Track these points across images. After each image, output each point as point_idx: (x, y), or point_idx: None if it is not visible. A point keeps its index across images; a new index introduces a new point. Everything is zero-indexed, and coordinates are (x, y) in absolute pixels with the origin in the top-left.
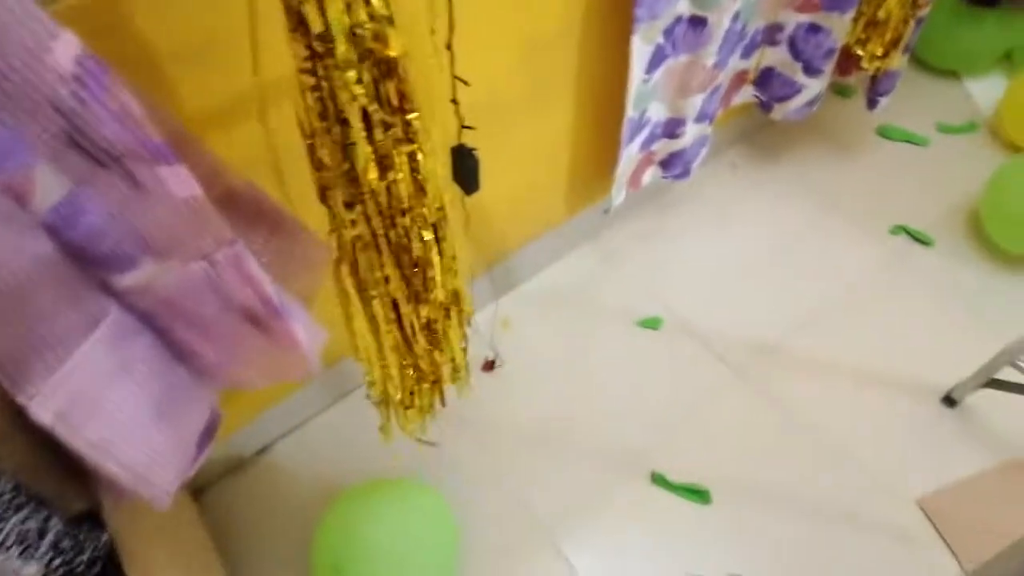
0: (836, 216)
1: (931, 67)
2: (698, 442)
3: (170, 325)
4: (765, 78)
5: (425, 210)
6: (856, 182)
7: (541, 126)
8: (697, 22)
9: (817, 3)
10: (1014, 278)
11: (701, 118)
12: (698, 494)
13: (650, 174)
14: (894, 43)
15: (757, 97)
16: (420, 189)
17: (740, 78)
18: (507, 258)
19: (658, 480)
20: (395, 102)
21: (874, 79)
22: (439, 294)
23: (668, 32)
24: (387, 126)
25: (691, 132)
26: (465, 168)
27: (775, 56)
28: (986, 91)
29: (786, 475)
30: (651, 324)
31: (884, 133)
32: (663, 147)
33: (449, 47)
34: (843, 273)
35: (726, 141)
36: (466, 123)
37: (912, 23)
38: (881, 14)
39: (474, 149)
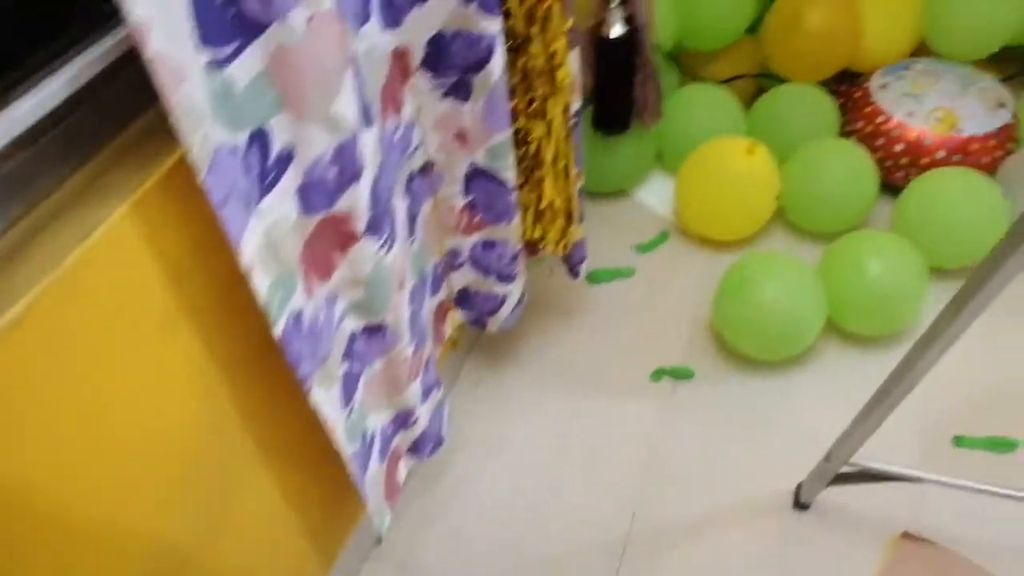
0: (595, 388)
1: (600, 195)
2: None
3: None
4: (465, 299)
5: None
6: (597, 344)
7: (256, 495)
8: (374, 330)
9: (479, 221)
10: (787, 374)
11: (428, 392)
12: None
13: (404, 467)
14: (568, 221)
15: (466, 318)
16: None
17: (442, 310)
18: None
19: None
20: None
21: (565, 256)
22: None
23: (346, 358)
24: None
25: (425, 410)
26: None
27: (465, 278)
28: (657, 196)
29: None
30: None
31: (593, 279)
32: (403, 439)
33: None
34: (632, 440)
35: (457, 363)
36: None
37: (576, 198)
38: (543, 204)
39: None
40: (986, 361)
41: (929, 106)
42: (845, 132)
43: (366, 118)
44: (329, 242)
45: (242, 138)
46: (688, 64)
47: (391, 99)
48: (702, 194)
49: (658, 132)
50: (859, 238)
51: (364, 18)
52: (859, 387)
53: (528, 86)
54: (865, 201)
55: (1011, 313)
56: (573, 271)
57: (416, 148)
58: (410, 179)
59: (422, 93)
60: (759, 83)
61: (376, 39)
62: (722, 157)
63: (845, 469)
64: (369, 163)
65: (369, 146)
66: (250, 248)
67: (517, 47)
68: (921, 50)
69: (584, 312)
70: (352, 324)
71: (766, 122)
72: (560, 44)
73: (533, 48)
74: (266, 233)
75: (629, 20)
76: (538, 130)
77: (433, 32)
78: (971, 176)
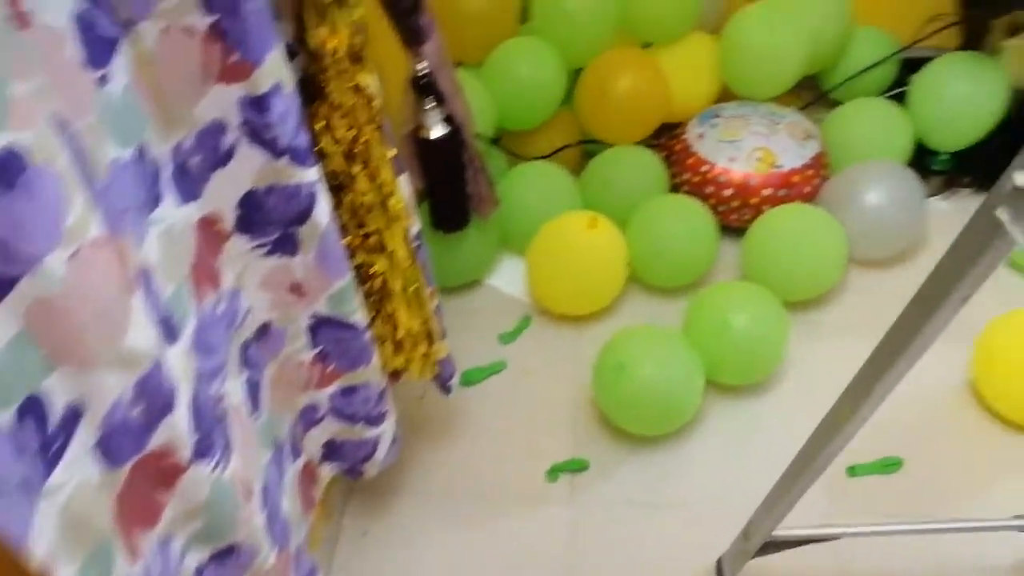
0: (493, 503)
1: (451, 289)
2: None
3: None
4: (333, 451)
5: None
6: (484, 453)
7: None
8: (225, 554)
9: (334, 371)
10: (679, 443)
11: None
12: None
13: None
14: (430, 342)
15: (339, 470)
16: None
17: (307, 472)
18: None
19: None
20: None
21: (434, 376)
22: None
23: None
24: None
25: None
26: None
27: (328, 431)
28: (509, 280)
29: None
30: None
31: (466, 381)
32: None
33: None
34: (545, 550)
35: (335, 522)
36: None
37: (434, 316)
38: (400, 334)
39: None
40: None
41: (747, 148)
42: (675, 185)
43: (168, 334)
44: (149, 485)
45: (6, 417)
46: (511, 145)
47: (205, 276)
48: (554, 274)
49: (498, 216)
50: (717, 293)
51: (155, 202)
52: (750, 438)
53: (360, 221)
54: (709, 250)
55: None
56: (445, 388)
57: (246, 314)
58: (245, 348)
59: (242, 255)
60: (583, 150)
61: (174, 218)
62: (566, 235)
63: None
64: (182, 383)
65: (178, 365)
66: (44, 543)
67: (341, 185)
68: (726, 94)
69: (464, 421)
70: (196, 558)
71: (598, 189)
72: (386, 174)
73: (359, 185)
74: (63, 512)
75: (448, 120)
76: (380, 264)
77: (243, 193)
78: (805, 211)
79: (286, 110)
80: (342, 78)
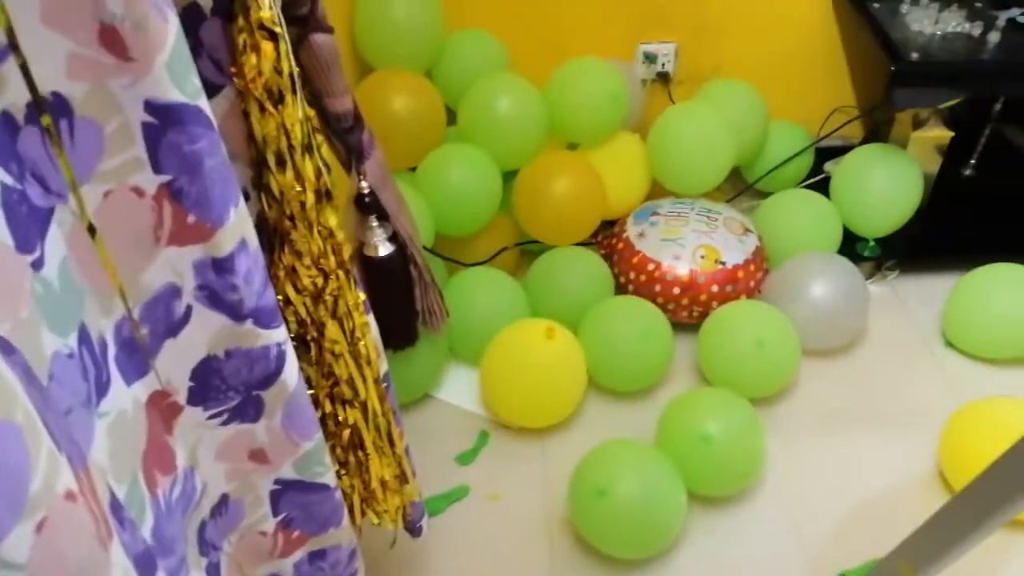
0: None
1: (403, 407)
2: None
3: None
4: None
5: None
6: None
7: None
8: None
9: (299, 537)
10: (663, 563)
11: None
12: None
13: None
14: (403, 483)
15: None
16: None
17: None
18: None
19: None
20: None
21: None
22: None
23: None
24: None
25: None
26: None
27: None
28: (462, 392)
29: None
30: None
31: (432, 511)
32: None
33: None
34: None
35: None
36: None
37: (406, 457)
38: (373, 484)
39: None
40: (847, 483)
41: (691, 246)
42: (620, 284)
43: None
44: None
45: None
46: (448, 252)
47: (157, 461)
48: (511, 387)
49: (449, 337)
50: (688, 403)
51: (100, 392)
52: (736, 551)
53: (328, 370)
54: (666, 352)
55: (874, 428)
56: (415, 531)
57: (202, 493)
58: (202, 530)
59: (195, 428)
60: (521, 251)
61: (124, 401)
62: (522, 347)
63: None
64: None
65: None
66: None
67: (306, 334)
68: (655, 190)
69: (427, 560)
70: None
71: (544, 292)
72: (358, 318)
73: (328, 333)
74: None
75: (393, 237)
76: (351, 414)
77: (198, 360)
78: (757, 307)
79: (251, 268)
80: (309, 222)
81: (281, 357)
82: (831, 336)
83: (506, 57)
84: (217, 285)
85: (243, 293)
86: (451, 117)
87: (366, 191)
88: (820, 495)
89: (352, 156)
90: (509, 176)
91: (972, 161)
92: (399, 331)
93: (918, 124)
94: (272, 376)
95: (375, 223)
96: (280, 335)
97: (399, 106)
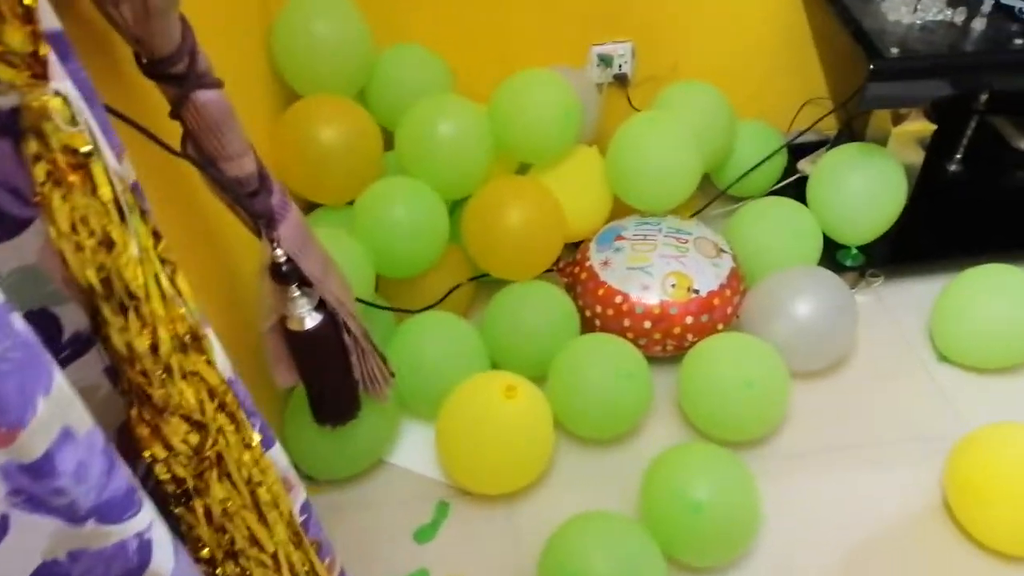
0: None
1: (352, 479)
2: None
3: None
4: None
5: None
6: None
7: None
8: None
9: None
10: None
11: None
12: None
13: None
14: None
15: None
16: None
17: None
18: None
19: None
20: None
21: None
22: None
23: None
24: None
25: None
26: None
27: None
28: (417, 455)
29: None
30: None
31: None
32: None
33: None
34: None
35: None
36: None
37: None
38: None
39: None
40: (846, 524)
41: (660, 275)
42: (587, 319)
43: None
44: None
45: None
46: (393, 297)
47: None
48: (471, 451)
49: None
50: (673, 463)
51: None
52: None
53: (221, 527)
54: (644, 394)
55: (870, 459)
56: None
57: None
58: None
59: None
60: (478, 284)
61: None
62: (481, 408)
63: None
64: None
65: None
66: None
67: (186, 494)
68: (618, 207)
69: None
70: None
71: (503, 335)
72: (253, 465)
73: (214, 493)
74: None
75: (320, 305)
76: (256, 572)
77: (33, 569)
78: (739, 341)
79: (83, 461)
80: (170, 373)
81: (145, 548)
82: (818, 358)
83: (446, 73)
84: (35, 490)
85: (74, 494)
86: (389, 140)
87: (282, 259)
88: (818, 541)
89: (261, 223)
90: (459, 203)
91: (958, 156)
92: (336, 406)
93: (898, 118)
94: (137, 571)
95: (297, 293)
96: (140, 523)
97: (329, 136)
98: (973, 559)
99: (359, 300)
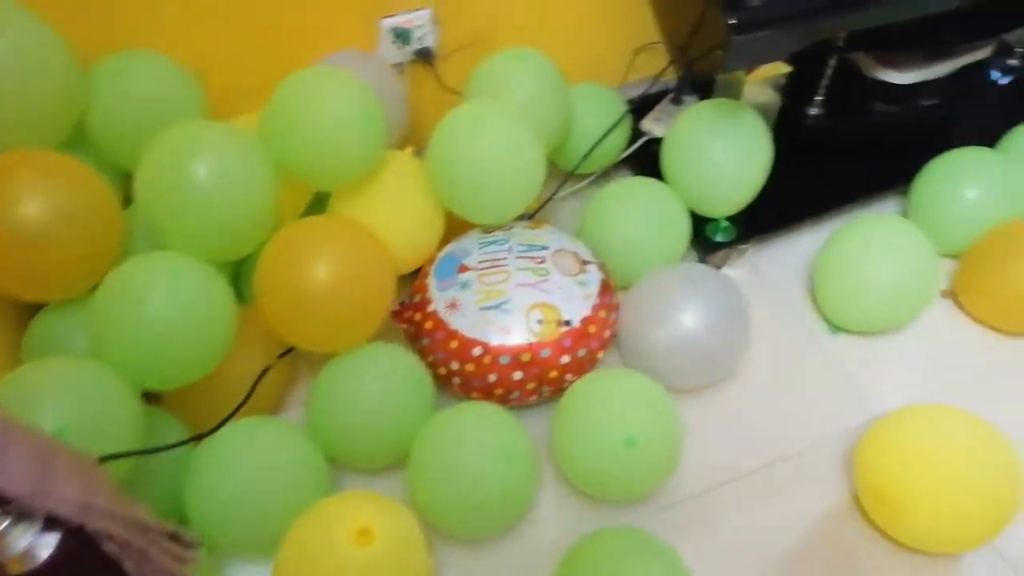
0: None
1: None
2: None
3: None
4: None
5: None
6: None
7: None
8: None
9: None
10: None
11: None
12: None
13: None
14: None
15: None
16: None
17: None
18: None
19: None
20: None
21: None
22: None
23: None
24: None
25: None
26: None
27: None
28: None
29: None
30: None
31: None
32: None
33: None
34: None
35: None
36: None
37: None
38: None
39: None
40: (765, 553)
41: (521, 310)
42: (441, 376)
43: None
44: None
45: None
46: (186, 402)
47: None
48: None
49: (204, 528)
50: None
51: None
52: None
53: None
54: (528, 476)
55: (777, 473)
56: None
57: None
58: None
59: None
60: (290, 361)
61: None
62: (327, 560)
63: None
64: None
65: None
66: None
67: None
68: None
69: None
70: None
71: (335, 433)
72: None
73: None
74: None
75: (52, 520)
76: None
77: None
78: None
79: None
80: None
81: None
82: (708, 373)
83: (192, 87)
84: None
85: None
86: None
87: None
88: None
89: None
90: (244, 269)
91: (818, 98)
92: None
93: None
94: None
95: (5, 522)
96: None
97: (33, 213)
98: (898, 562)
99: (117, 456)
